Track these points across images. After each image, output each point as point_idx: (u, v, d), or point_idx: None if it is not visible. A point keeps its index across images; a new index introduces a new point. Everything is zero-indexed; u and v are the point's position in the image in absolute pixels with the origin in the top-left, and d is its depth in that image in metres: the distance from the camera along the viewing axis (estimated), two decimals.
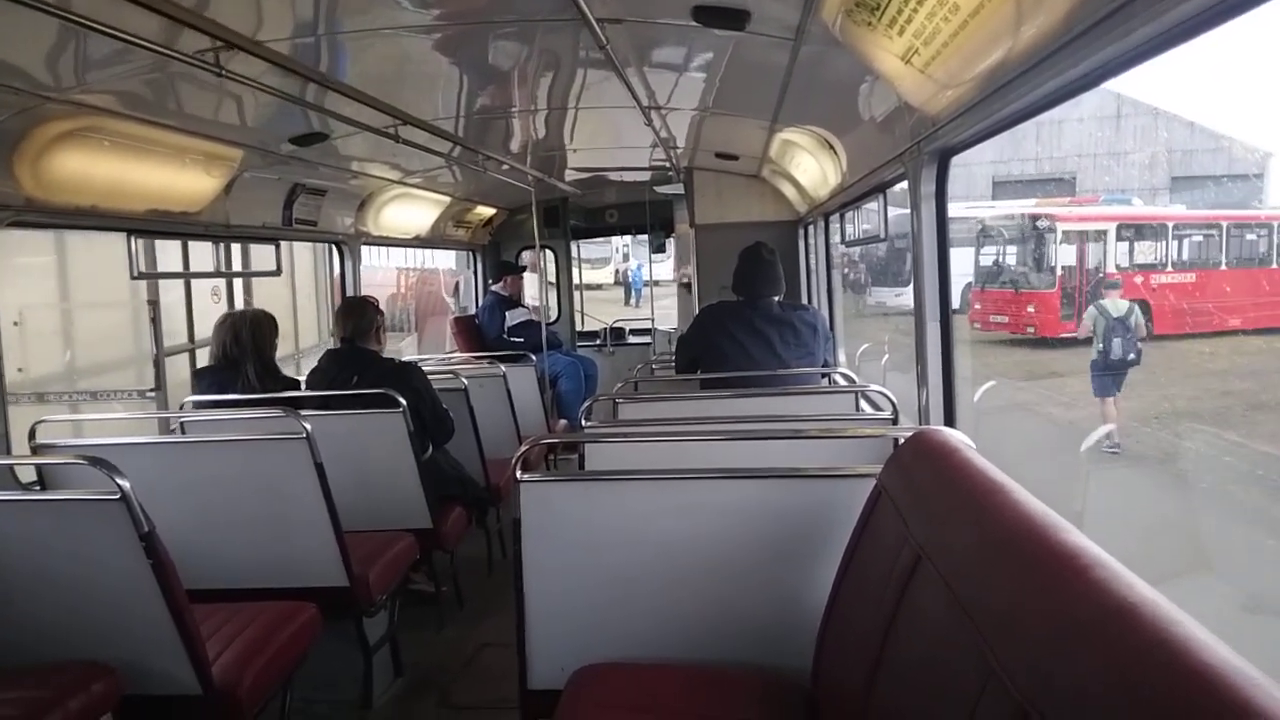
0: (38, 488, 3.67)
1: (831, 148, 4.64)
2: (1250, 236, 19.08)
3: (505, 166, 6.22)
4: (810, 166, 5.29)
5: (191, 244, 5.00)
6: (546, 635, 2.84)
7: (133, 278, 4.34)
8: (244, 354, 4.44)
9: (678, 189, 7.88)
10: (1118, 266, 17.96)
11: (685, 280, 8.34)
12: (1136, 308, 12.30)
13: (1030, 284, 18.16)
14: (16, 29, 2.70)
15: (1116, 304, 12.08)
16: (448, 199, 7.57)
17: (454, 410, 5.06)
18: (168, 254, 5.49)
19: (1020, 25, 1.94)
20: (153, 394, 4.93)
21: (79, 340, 7.41)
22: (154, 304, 5.31)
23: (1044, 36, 1.88)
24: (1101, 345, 11.65)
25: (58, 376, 7.01)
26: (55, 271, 7.21)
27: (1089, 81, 1.97)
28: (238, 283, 8.04)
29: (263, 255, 5.55)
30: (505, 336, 8.14)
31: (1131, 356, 11.58)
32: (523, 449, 2.89)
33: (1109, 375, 11.50)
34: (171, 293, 7.14)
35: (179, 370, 6.85)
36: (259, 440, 3.71)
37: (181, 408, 4.48)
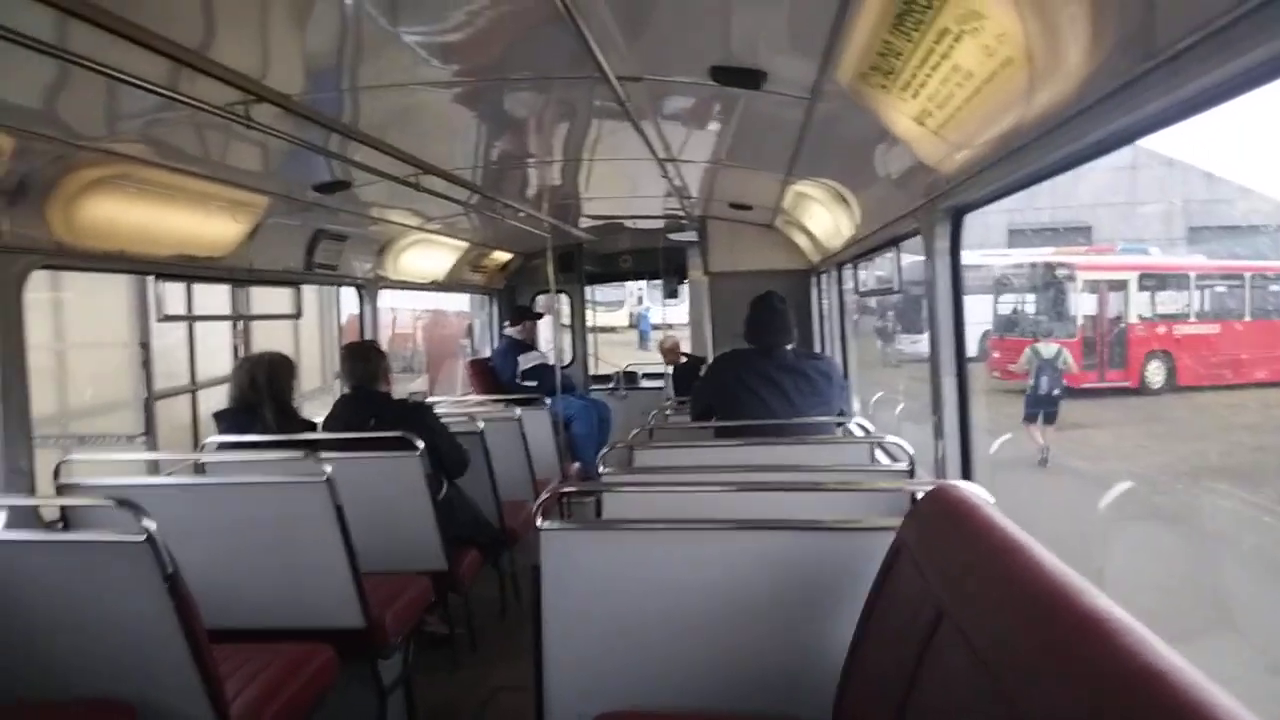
0: (61, 525, 3.71)
1: (845, 201, 4.70)
2: (1275, 287, 18.95)
3: (522, 214, 6.32)
4: (824, 218, 5.35)
5: (196, 286, 5.06)
6: (565, 681, 2.84)
7: (158, 320, 4.43)
8: (261, 398, 4.48)
9: (692, 236, 7.96)
10: (1140, 317, 17.89)
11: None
12: (1065, 350, 14.97)
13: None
14: (53, 79, 2.79)
15: (1048, 347, 14.70)
16: (465, 244, 7.67)
17: (470, 453, 5.09)
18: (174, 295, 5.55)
19: (1033, 94, 1.98)
20: (142, 438, 4.94)
21: (72, 382, 7.42)
22: (145, 346, 5.30)
23: (1056, 105, 1.92)
24: (1034, 381, 14.31)
25: (49, 419, 7.03)
26: (50, 311, 7.25)
27: (1103, 148, 2.01)
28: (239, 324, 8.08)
29: (278, 298, 5.62)
30: (519, 380, 8.18)
31: (1057, 392, 14.31)
32: (543, 497, 2.91)
33: (1039, 405, 14.15)
34: (172, 335, 7.15)
35: (179, 414, 6.85)
36: (280, 483, 3.74)
37: (202, 449, 4.52)
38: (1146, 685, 1.25)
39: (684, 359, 8.10)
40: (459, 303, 12.78)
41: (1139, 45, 1.56)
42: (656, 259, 9.27)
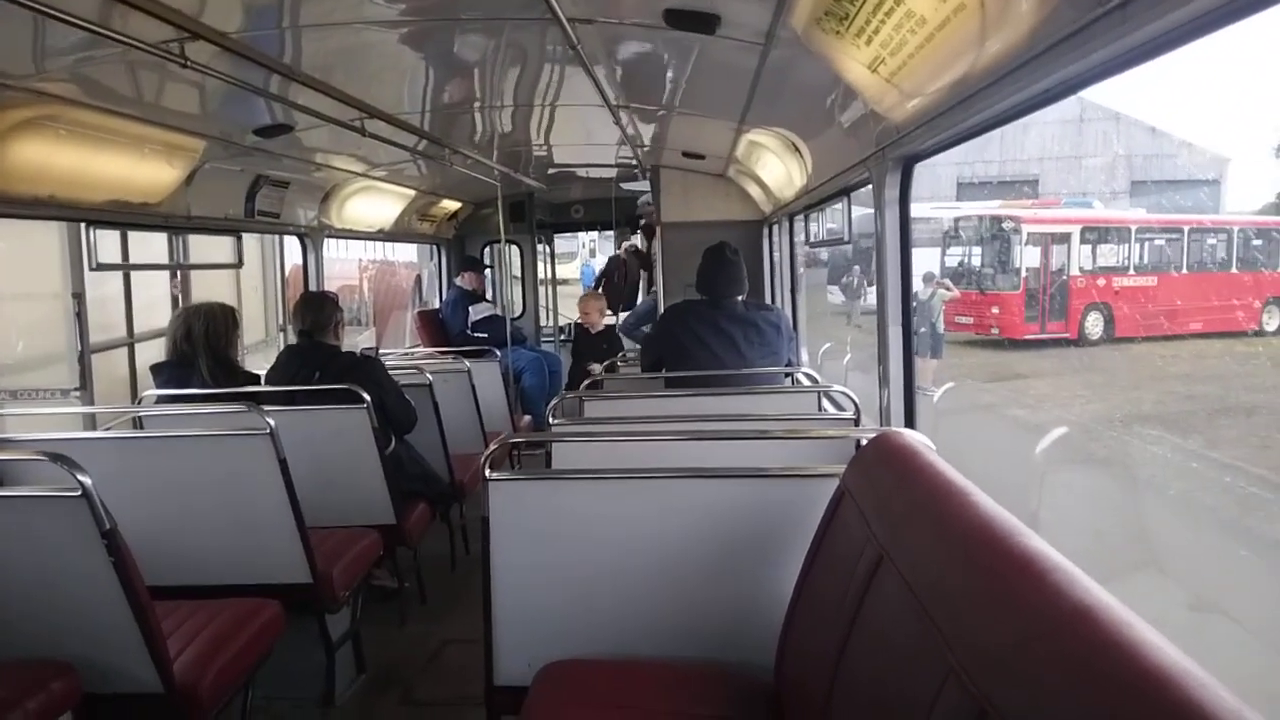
0: None
1: (798, 150, 4.68)
2: (1210, 241, 19.45)
3: (471, 161, 6.20)
4: (776, 168, 5.33)
5: (135, 234, 4.88)
6: (513, 632, 2.85)
7: (92, 270, 4.27)
8: (196, 350, 4.37)
9: (644, 186, 7.90)
10: (1081, 269, 18.29)
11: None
12: (939, 291, 16.70)
13: (995, 285, 18.44)
14: None
15: (924, 290, 16.26)
16: (413, 192, 7.52)
17: (418, 406, 5.04)
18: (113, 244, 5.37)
19: (984, 40, 1.98)
20: (77, 393, 4.81)
21: (2, 335, 7.15)
22: (79, 297, 5.11)
23: (1007, 52, 1.92)
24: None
25: None
26: None
27: (1051, 96, 2.02)
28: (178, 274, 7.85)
29: (218, 246, 5.46)
30: (469, 332, 8.11)
31: (924, 330, 15.77)
32: (491, 448, 2.90)
33: (922, 341, 15.46)
34: (108, 285, 6.93)
35: (116, 366, 6.66)
36: (221, 436, 3.67)
37: (140, 402, 4.41)
38: (1074, 622, 1.30)
39: (601, 328, 7.88)
40: (407, 253, 12.60)
41: None
42: (609, 209, 9.21)
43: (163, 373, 4.43)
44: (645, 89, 4.61)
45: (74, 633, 2.78)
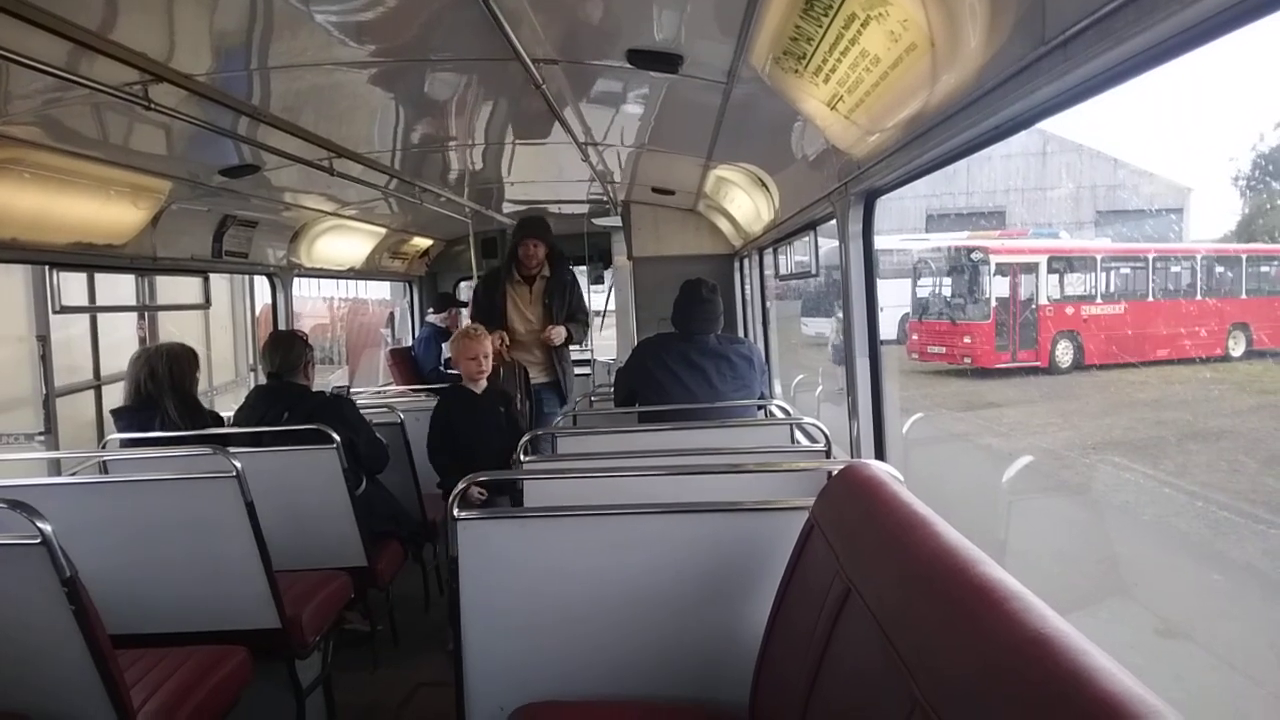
0: None
1: (764, 185, 4.74)
2: (1175, 268, 19.74)
3: (442, 199, 6.22)
4: (744, 202, 5.39)
5: (101, 275, 4.83)
6: (485, 674, 2.81)
7: (55, 312, 4.23)
8: (161, 390, 4.32)
9: (616, 222, 7.95)
10: (1049, 298, 18.54)
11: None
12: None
13: (966, 315, 18.63)
14: None
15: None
16: (384, 230, 7.52)
17: (390, 444, 5.00)
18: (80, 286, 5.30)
19: (936, 79, 2.02)
20: (42, 437, 4.72)
21: None
22: (44, 340, 5.06)
23: (957, 89, 1.97)
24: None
25: None
26: None
27: (1004, 131, 2.07)
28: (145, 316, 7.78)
29: (186, 287, 5.43)
30: (442, 369, 8.08)
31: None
32: (460, 486, 2.87)
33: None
34: (74, 327, 6.86)
35: (83, 410, 6.57)
36: (187, 479, 3.61)
37: (104, 446, 4.35)
38: (1032, 650, 1.32)
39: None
40: (380, 290, 12.57)
41: (1031, 32, 1.61)
42: (581, 245, 9.24)
43: (123, 417, 4.37)
44: (613, 127, 4.66)
45: (33, 684, 2.70)
